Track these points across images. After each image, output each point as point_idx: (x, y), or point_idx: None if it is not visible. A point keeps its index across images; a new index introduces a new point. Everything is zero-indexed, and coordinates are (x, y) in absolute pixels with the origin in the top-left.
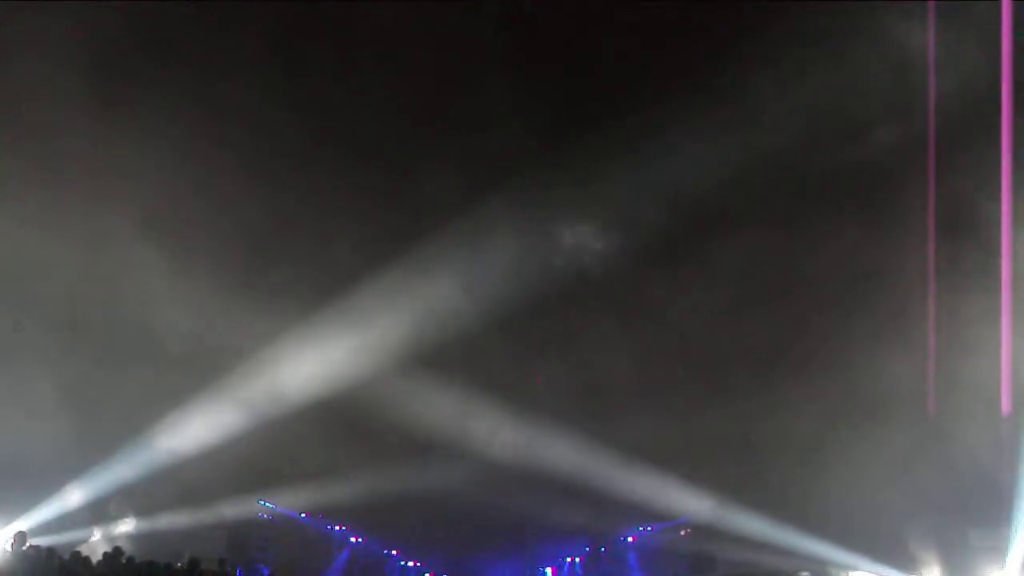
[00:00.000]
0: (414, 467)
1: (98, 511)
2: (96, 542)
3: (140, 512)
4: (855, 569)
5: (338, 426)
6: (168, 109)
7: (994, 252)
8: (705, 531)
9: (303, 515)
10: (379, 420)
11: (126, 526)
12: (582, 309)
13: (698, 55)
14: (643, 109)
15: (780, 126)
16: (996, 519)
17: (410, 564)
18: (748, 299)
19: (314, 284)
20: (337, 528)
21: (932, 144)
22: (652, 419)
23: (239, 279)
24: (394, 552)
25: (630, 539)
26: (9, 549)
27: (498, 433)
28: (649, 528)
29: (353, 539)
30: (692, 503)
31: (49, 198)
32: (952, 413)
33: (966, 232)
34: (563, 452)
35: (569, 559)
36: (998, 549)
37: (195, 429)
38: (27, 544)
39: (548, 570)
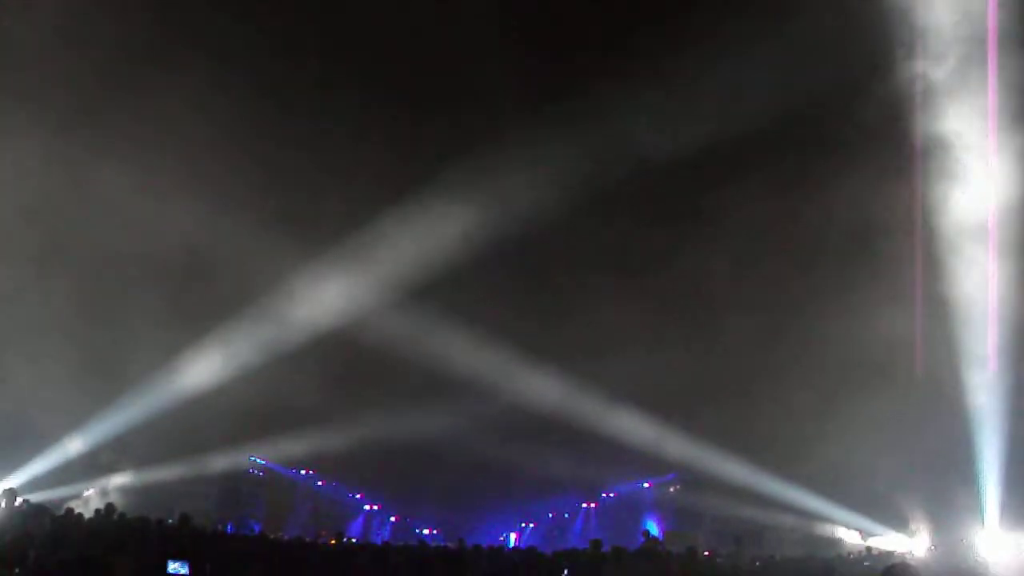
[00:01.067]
0: (410, 416)
1: (91, 465)
2: (89, 496)
3: (133, 465)
4: (842, 523)
5: (334, 369)
6: (198, 50)
7: (982, 210)
8: (694, 486)
9: (294, 471)
10: (379, 362)
11: (119, 480)
12: (586, 262)
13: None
14: (648, 62)
15: (772, 84)
16: (981, 478)
17: (406, 520)
18: (745, 256)
19: (318, 224)
20: (330, 484)
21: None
22: (650, 370)
23: (246, 215)
24: (377, 506)
25: (620, 494)
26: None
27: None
28: (639, 484)
29: (350, 496)
30: (685, 452)
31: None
32: (939, 372)
33: (954, 189)
34: (559, 399)
35: (553, 515)
36: (982, 507)
37: (192, 374)
38: (18, 500)
39: (531, 525)
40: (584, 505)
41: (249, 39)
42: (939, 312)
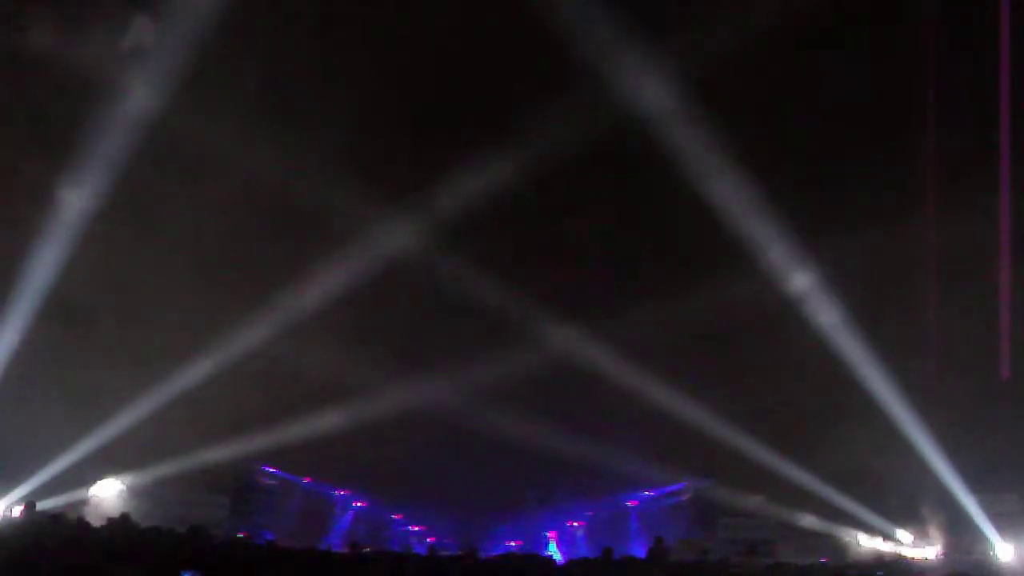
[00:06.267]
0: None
1: (101, 468)
2: (100, 501)
3: (142, 467)
4: (858, 528)
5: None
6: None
7: (994, 223)
8: (707, 494)
9: (306, 480)
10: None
11: (129, 482)
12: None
13: None
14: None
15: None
16: (996, 486)
17: (414, 529)
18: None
19: None
20: (340, 493)
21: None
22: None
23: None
24: (396, 516)
25: (631, 504)
26: (15, 516)
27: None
28: (650, 493)
29: (356, 504)
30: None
31: None
32: (953, 378)
33: (967, 194)
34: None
35: (571, 523)
36: (1001, 515)
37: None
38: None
39: (550, 535)
40: (593, 512)
41: None
42: (952, 319)
